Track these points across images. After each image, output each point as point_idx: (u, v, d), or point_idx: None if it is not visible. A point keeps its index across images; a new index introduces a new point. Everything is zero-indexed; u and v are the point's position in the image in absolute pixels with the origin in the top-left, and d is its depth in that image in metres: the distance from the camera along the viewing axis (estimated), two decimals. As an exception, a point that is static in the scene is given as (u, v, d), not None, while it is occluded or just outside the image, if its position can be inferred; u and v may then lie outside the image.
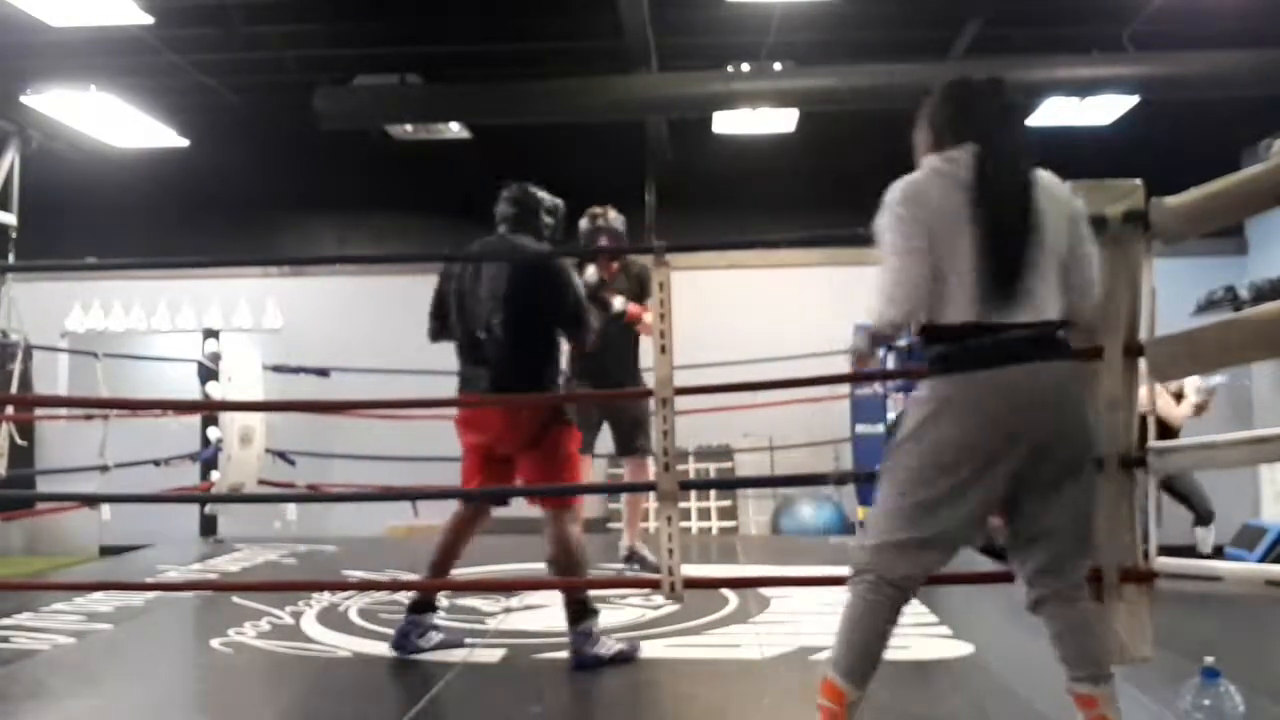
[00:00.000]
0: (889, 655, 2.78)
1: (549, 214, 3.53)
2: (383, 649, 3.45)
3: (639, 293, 4.64)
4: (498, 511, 3.62)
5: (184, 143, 8.48)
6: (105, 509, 6.18)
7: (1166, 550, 2.68)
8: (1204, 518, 5.90)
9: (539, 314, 3.36)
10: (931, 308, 2.19)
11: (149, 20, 6.53)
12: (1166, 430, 5.59)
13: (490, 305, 3.31)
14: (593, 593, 3.48)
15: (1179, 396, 5.96)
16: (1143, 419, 5.90)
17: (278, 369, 7.18)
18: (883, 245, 2.21)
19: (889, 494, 2.27)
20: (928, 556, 2.25)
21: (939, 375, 2.22)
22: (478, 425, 3.40)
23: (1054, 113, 7.61)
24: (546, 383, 3.40)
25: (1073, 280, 2.24)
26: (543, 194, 3.55)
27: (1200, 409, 5.90)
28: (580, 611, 3.27)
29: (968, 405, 2.16)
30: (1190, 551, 5.75)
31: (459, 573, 4.98)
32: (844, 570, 2.30)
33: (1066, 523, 2.21)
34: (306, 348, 8.47)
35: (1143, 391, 6.08)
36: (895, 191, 2.24)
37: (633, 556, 5.12)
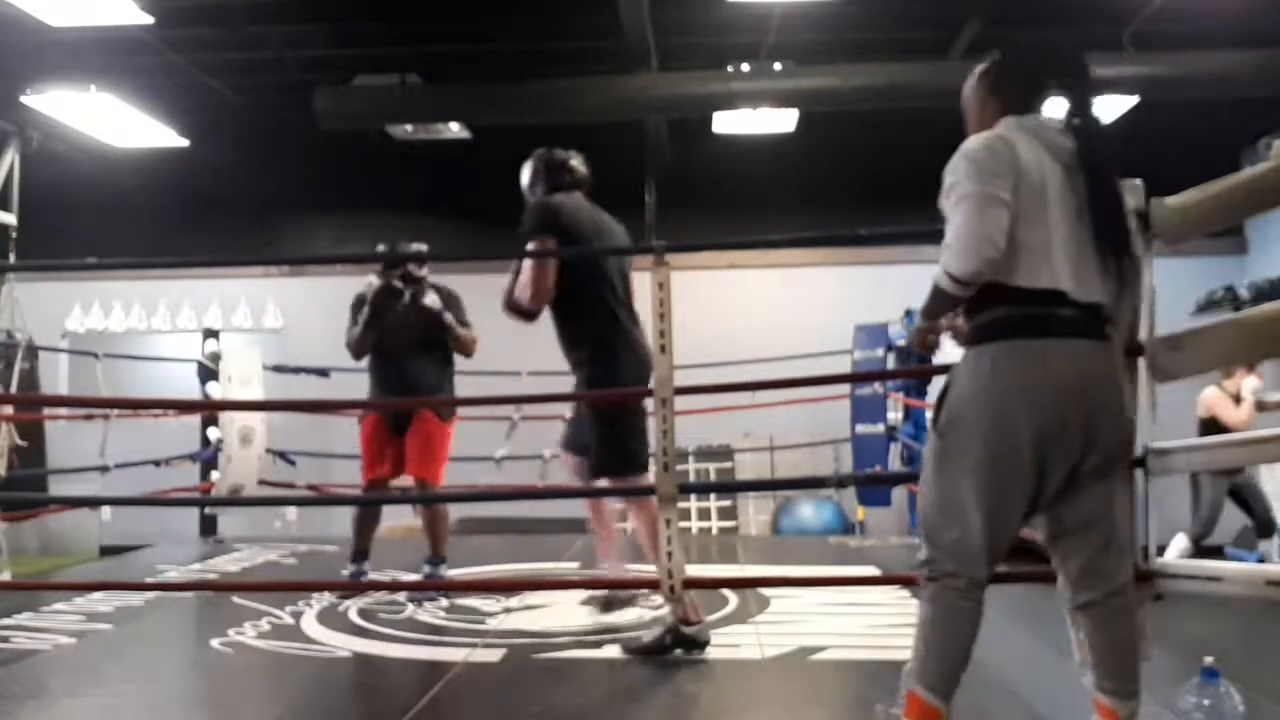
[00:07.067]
0: (888, 655, 2.77)
1: None
2: (383, 649, 3.45)
3: None
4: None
5: (184, 143, 8.48)
6: (105, 509, 6.18)
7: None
8: (1264, 529, 5.84)
9: None
10: (1003, 268, 2.02)
11: (149, 20, 6.53)
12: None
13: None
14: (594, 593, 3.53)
15: (1237, 399, 5.80)
16: (1205, 423, 5.86)
17: (278, 369, 7.18)
18: (957, 194, 2.04)
19: (958, 483, 2.05)
20: (1002, 550, 2.07)
21: (1006, 340, 2.04)
22: None
23: (1054, 112, 7.60)
24: None
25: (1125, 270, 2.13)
26: None
27: (1263, 407, 5.76)
28: None
29: (1041, 377, 2.00)
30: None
31: (459, 573, 5.01)
32: (849, 570, 2.29)
33: (1108, 513, 2.09)
34: (306, 348, 8.47)
35: (1203, 395, 6.04)
36: (976, 142, 2.10)
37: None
